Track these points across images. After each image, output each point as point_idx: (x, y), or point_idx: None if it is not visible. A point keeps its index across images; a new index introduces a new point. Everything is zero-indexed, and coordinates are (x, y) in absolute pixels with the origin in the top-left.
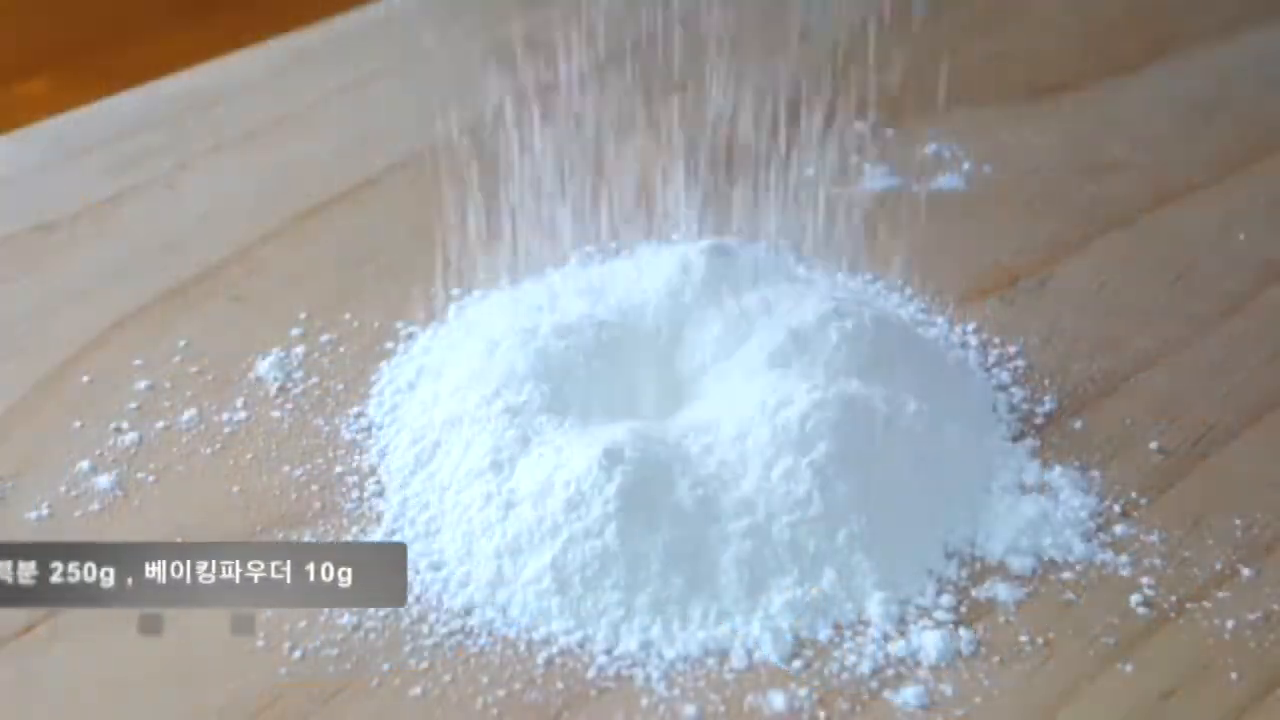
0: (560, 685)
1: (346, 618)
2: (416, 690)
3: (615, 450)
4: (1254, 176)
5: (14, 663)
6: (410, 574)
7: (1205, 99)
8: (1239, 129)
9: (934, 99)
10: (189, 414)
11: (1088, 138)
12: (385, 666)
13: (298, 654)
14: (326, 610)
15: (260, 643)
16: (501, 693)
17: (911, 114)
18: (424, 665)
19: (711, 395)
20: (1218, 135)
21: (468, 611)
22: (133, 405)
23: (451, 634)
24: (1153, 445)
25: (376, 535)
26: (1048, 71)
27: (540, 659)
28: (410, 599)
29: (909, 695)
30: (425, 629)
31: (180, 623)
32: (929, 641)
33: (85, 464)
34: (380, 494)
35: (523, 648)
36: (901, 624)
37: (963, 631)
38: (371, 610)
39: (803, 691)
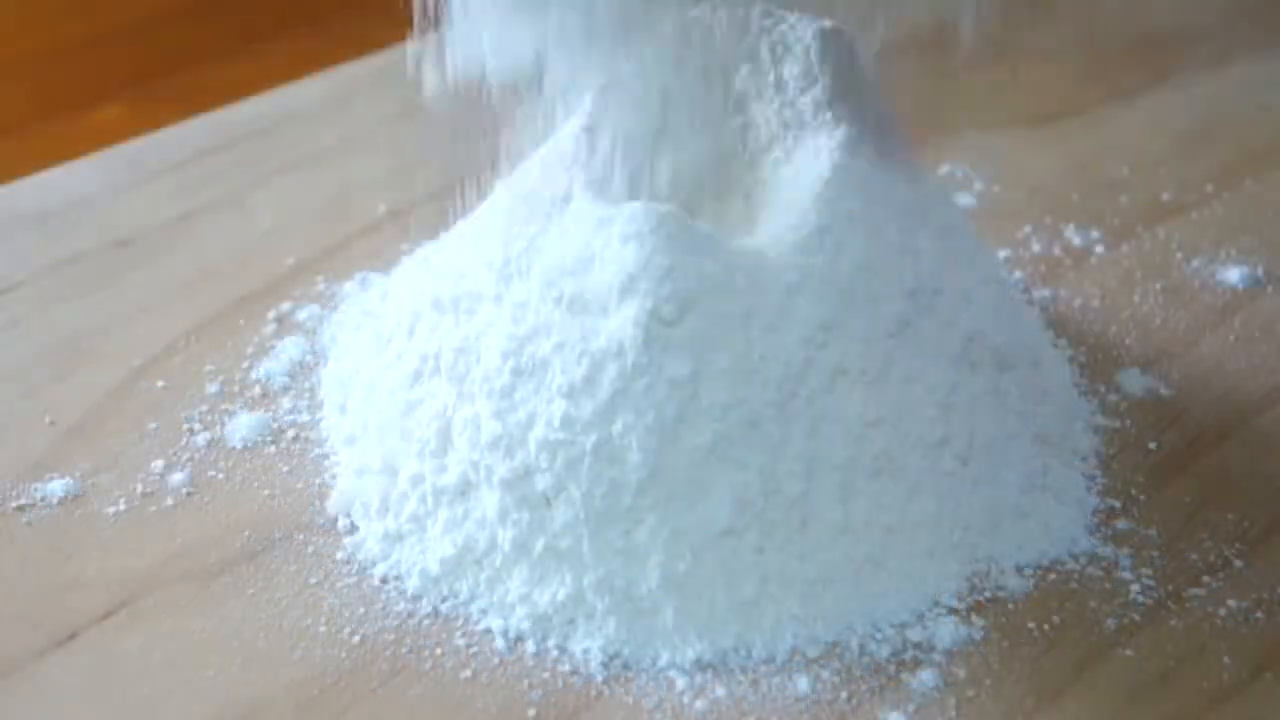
0: (599, 664)
1: (402, 605)
2: (467, 672)
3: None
4: (1246, 194)
5: (95, 648)
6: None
7: (1200, 123)
8: (1231, 150)
9: (948, 124)
10: (256, 416)
11: (1090, 159)
12: (438, 650)
13: (357, 638)
14: (383, 600)
15: (323, 628)
16: (545, 675)
17: (927, 138)
18: (473, 649)
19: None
20: (1212, 156)
21: (507, 599)
22: (204, 408)
23: (495, 620)
24: (1151, 445)
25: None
26: (1052, 98)
27: (579, 642)
28: (460, 586)
29: (925, 678)
30: (476, 613)
31: (249, 611)
32: (943, 628)
33: (160, 463)
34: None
35: (563, 632)
36: (918, 612)
37: (975, 619)
38: (425, 600)
39: (825, 674)
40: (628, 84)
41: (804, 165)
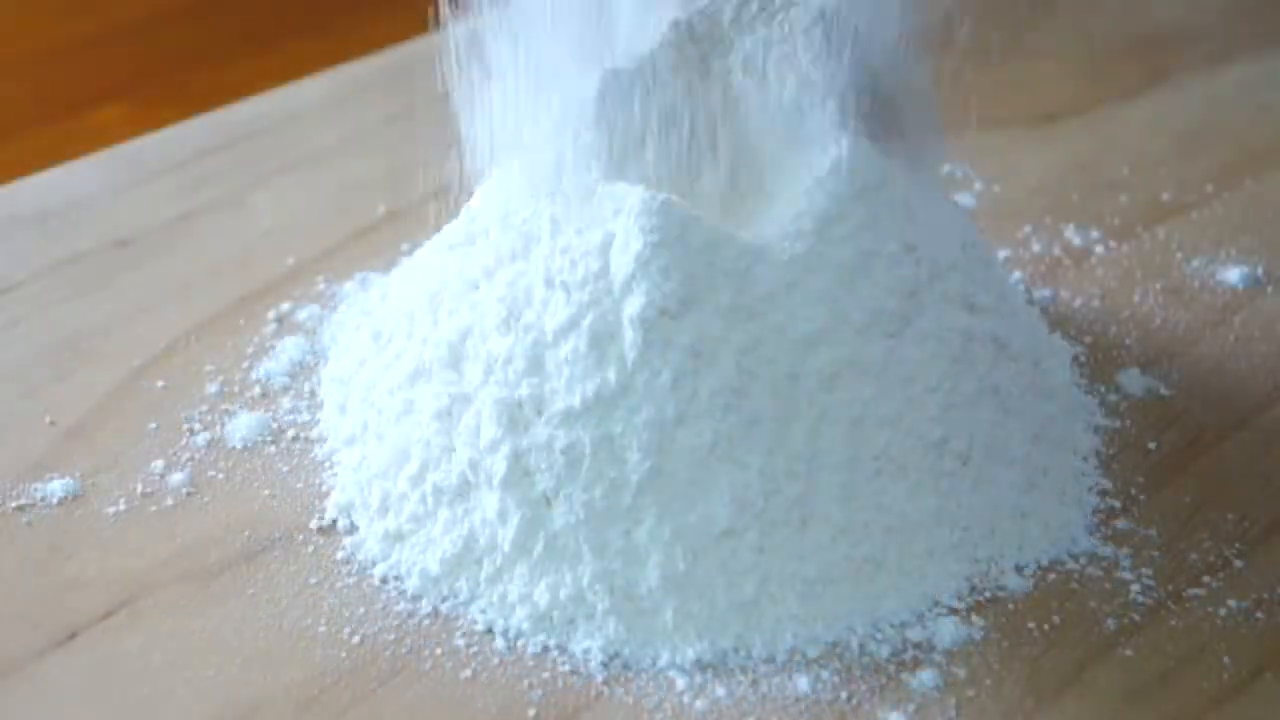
0: (599, 664)
1: (402, 605)
2: (467, 672)
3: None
4: (1246, 194)
5: (95, 648)
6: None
7: (1199, 123)
8: (1231, 150)
9: (948, 124)
10: (256, 416)
11: (1090, 159)
12: (438, 650)
13: (356, 639)
14: (383, 600)
15: (323, 628)
16: (546, 675)
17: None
18: (473, 649)
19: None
20: (1212, 156)
21: (507, 599)
22: (204, 408)
23: (495, 620)
24: (1151, 445)
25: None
26: (1052, 98)
27: (579, 642)
28: (460, 586)
29: (925, 678)
30: (476, 613)
31: (249, 611)
32: (943, 628)
33: (160, 463)
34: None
35: (563, 632)
36: (918, 612)
37: (975, 619)
38: (425, 600)
39: (825, 674)
40: (630, 75)
41: (805, 160)
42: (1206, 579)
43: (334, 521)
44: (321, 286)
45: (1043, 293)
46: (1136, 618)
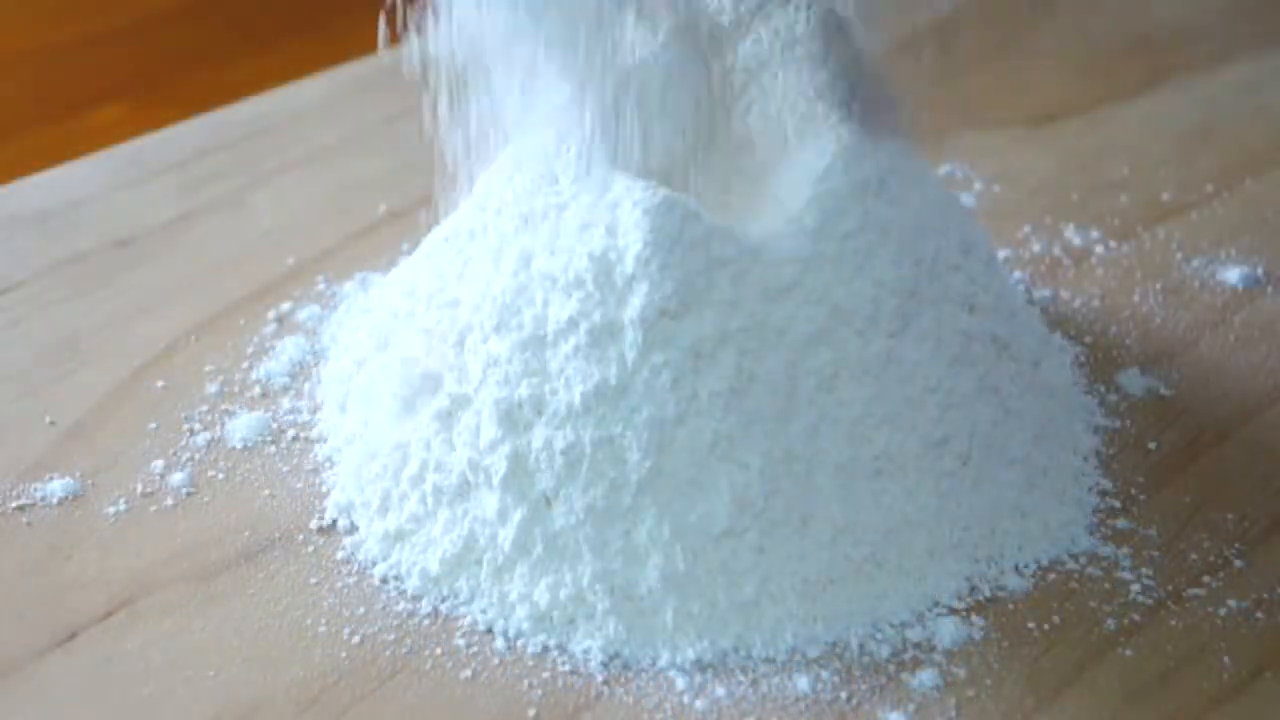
0: (599, 664)
1: (402, 605)
2: (467, 672)
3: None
4: (1244, 194)
5: (95, 648)
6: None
7: (1198, 124)
8: (1231, 150)
9: (948, 124)
10: (256, 416)
11: (1089, 159)
12: (438, 650)
13: (356, 639)
14: (383, 600)
15: (323, 628)
16: (546, 674)
17: (927, 138)
18: (473, 649)
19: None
20: (1212, 156)
21: (507, 599)
22: (204, 408)
23: (495, 620)
24: (1151, 445)
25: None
26: (1052, 98)
27: (579, 642)
28: (460, 586)
29: (925, 678)
30: (476, 613)
31: (249, 611)
32: (943, 628)
33: (160, 463)
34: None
35: (563, 632)
36: (918, 612)
37: (975, 618)
38: (425, 600)
39: (825, 674)
40: (632, 74)
41: (806, 156)
42: (1206, 579)
43: (334, 521)
44: (321, 286)
45: (1043, 293)
46: (1136, 618)
